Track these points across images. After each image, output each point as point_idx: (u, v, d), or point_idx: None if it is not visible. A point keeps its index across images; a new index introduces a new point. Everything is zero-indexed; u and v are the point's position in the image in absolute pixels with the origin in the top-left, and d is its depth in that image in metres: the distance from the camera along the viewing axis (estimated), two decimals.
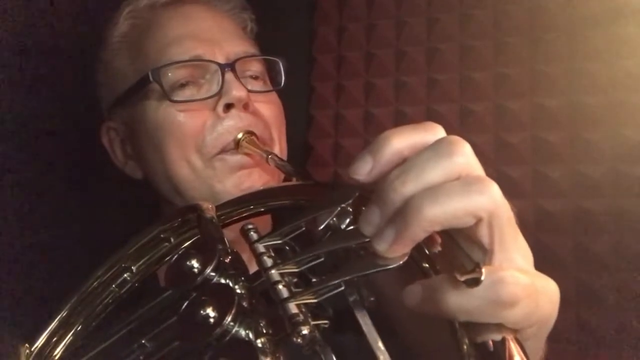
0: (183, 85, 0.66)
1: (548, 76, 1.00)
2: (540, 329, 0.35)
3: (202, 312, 0.32)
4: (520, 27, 1.03)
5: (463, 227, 0.33)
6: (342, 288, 0.33)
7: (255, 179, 0.66)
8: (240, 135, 0.64)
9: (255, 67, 0.72)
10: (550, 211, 0.98)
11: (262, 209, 0.46)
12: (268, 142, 0.68)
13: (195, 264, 0.35)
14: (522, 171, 1.00)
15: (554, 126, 0.99)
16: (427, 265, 0.35)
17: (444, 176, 0.33)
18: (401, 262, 0.32)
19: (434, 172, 0.33)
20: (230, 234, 0.43)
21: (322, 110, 1.18)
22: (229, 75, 0.65)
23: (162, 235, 0.47)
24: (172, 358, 0.35)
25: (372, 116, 1.13)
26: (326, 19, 1.20)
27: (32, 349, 0.41)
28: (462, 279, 0.29)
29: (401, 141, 0.36)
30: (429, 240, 0.34)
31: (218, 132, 0.65)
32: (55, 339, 0.42)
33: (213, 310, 0.32)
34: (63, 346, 0.42)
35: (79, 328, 0.43)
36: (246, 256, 0.40)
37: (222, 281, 0.35)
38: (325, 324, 0.33)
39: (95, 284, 0.45)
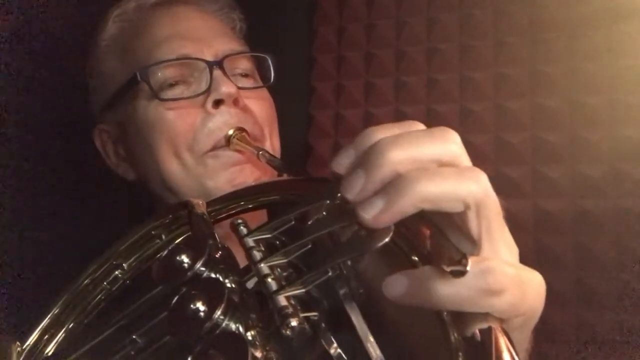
0: (172, 85, 0.66)
1: (548, 76, 1.00)
2: (527, 321, 0.35)
3: (192, 306, 0.32)
4: (520, 27, 1.03)
5: (451, 213, 0.34)
6: (330, 274, 0.33)
7: (248, 175, 0.65)
8: (231, 132, 0.64)
9: (244, 64, 0.72)
10: (550, 211, 0.98)
11: (253, 205, 0.46)
12: (259, 138, 0.68)
13: (185, 259, 0.35)
14: (522, 171, 1.00)
15: (554, 126, 0.99)
16: (417, 259, 0.35)
17: (435, 157, 0.34)
18: (385, 241, 0.31)
19: (425, 151, 0.34)
20: (222, 230, 0.43)
21: (322, 110, 1.18)
22: (218, 73, 0.65)
23: (153, 232, 0.46)
24: (163, 353, 0.35)
25: (372, 116, 1.13)
26: (326, 19, 1.20)
27: (24, 347, 0.41)
28: (449, 269, 0.30)
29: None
30: (419, 234, 0.34)
31: (209, 129, 0.64)
32: (47, 336, 0.42)
33: (203, 304, 0.32)
34: (55, 344, 0.42)
35: (70, 325, 0.43)
36: (241, 256, 0.40)
37: (213, 276, 0.35)
38: (315, 316, 0.33)
39: (86, 281, 0.45)
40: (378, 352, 0.32)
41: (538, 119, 1.01)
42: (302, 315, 0.32)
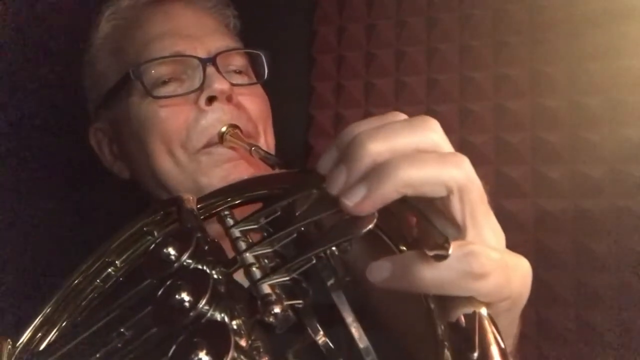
0: (165, 82, 0.66)
1: (548, 76, 1.00)
2: (512, 305, 0.35)
3: (177, 296, 0.32)
4: (520, 27, 1.03)
5: (434, 198, 0.34)
6: (314, 262, 0.33)
7: (242, 171, 0.65)
8: (223, 129, 0.64)
9: (238, 61, 0.71)
10: (550, 211, 0.98)
11: (244, 200, 0.46)
12: (253, 135, 0.68)
13: (172, 251, 0.36)
14: (522, 171, 1.00)
15: (554, 126, 0.99)
16: (403, 247, 0.35)
17: (414, 146, 0.34)
18: (368, 227, 0.32)
19: (404, 140, 0.34)
20: (214, 227, 0.43)
21: (322, 110, 1.18)
22: (211, 69, 0.65)
23: (145, 229, 0.47)
24: (150, 344, 0.35)
25: (372, 116, 1.13)
26: (326, 19, 1.20)
27: (17, 345, 0.41)
28: (432, 253, 0.30)
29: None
30: (404, 221, 0.34)
31: (202, 126, 0.64)
32: (40, 334, 0.42)
33: (188, 294, 0.32)
34: (48, 341, 0.42)
35: (64, 323, 0.43)
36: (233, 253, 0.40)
37: (199, 267, 0.35)
38: (299, 303, 0.33)
39: (79, 279, 0.45)
40: (365, 339, 0.33)
41: (538, 119, 1.01)
42: (286, 303, 0.32)
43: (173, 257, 0.35)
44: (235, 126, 0.65)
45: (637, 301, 0.90)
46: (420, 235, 0.33)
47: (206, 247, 0.37)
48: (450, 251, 0.30)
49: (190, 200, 0.44)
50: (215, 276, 0.34)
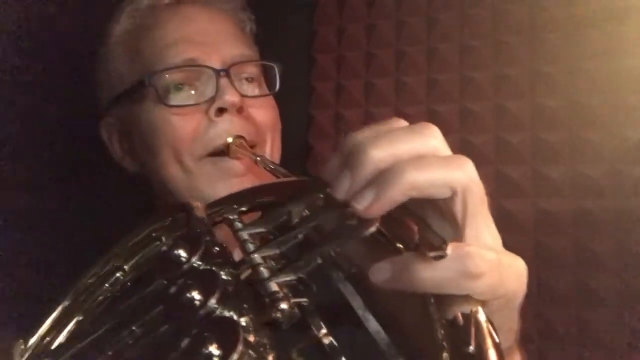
0: (178, 88, 0.66)
1: (548, 76, 1.00)
2: (508, 302, 0.37)
3: (187, 294, 0.33)
4: (520, 27, 1.03)
5: (437, 199, 0.35)
6: (319, 262, 0.34)
7: (248, 185, 0.66)
8: (230, 140, 0.65)
9: (251, 69, 0.72)
10: (550, 211, 0.98)
11: (251, 207, 0.47)
12: (259, 144, 0.69)
13: (182, 253, 0.37)
14: (522, 171, 1.00)
15: (554, 126, 0.99)
16: (401, 246, 0.37)
17: (415, 152, 0.35)
18: (372, 229, 0.33)
19: (405, 146, 0.35)
20: (222, 233, 0.43)
21: (322, 110, 1.18)
22: (224, 81, 0.65)
23: (153, 234, 0.47)
24: (160, 340, 0.36)
25: (372, 116, 1.13)
26: (326, 19, 1.20)
27: (28, 345, 0.41)
28: (430, 254, 0.32)
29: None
30: (404, 225, 0.35)
31: (209, 137, 0.65)
32: (48, 338, 0.42)
33: (198, 293, 0.33)
34: (59, 342, 0.42)
35: (72, 327, 0.44)
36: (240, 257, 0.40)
37: (208, 268, 0.37)
38: (305, 301, 0.34)
39: (88, 282, 0.46)
40: (375, 323, 0.34)
41: (538, 119, 1.01)
42: (292, 300, 0.33)
43: (183, 259, 0.37)
44: (240, 137, 0.65)
45: (637, 301, 0.90)
46: (419, 237, 0.34)
47: (215, 250, 0.38)
48: (448, 252, 0.31)
49: (200, 208, 0.45)
50: (224, 276, 0.36)
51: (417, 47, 1.11)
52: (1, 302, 0.70)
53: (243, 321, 0.33)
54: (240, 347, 0.29)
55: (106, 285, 0.46)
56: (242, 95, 0.66)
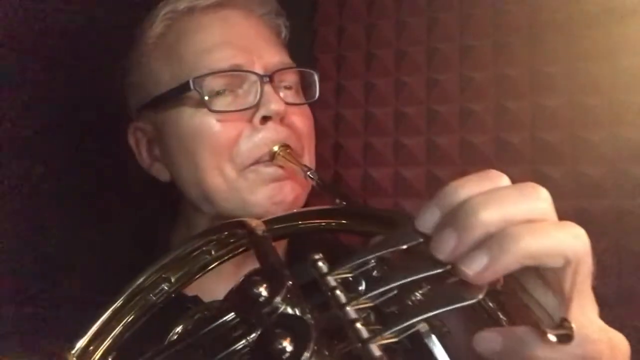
0: (219, 93, 0.66)
1: (548, 76, 1.00)
2: None
3: (278, 345, 0.31)
4: (520, 27, 1.03)
5: (547, 269, 0.33)
6: (421, 326, 0.32)
7: (288, 192, 0.66)
8: (276, 148, 0.65)
9: (291, 77, 0.72)
10: None
11: (307, 229, 0.46)
12: (300, 154, 0.69)
13: (263, 291, 0.35)
14: (522, 171, 1.00)
15: (554, 126, 0.99)
16: (492, 305, 0.35)
17: (526, 217, 0.33)
18: (480, 297, 0.31)
19: (516, 210, 0.33)
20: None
21: (322, 110, 1.18)
22: (268, 88, 0.65)
23: (204, 248, 0.47)
24: None
25: (372, 116, 1.13)
26: (326, 19, 1.20)
27: (74, 352, 0.40)
28: (553, 333, 0.29)
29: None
30: (511, 300, 0.34)
31: (254, 143, 0.65)
32: (92, 347, 0.42)
33: (290, 343, 0.31)
34: (99, 353, 0.42)
35: (117, 334, 0.43)
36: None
37: (290, 310, 0.34)
38: None
39: (135, 291, 0.45)
40: None
41: (538, 119, 1.00)
42: None
43: (263, 299, 0.34)
44: (287, 146, 0.65)
45: (637, 301, 0.90)
46: (531, 311, 0.32)
47: (288, 284, 0.36)
48: (574, 333, 0.29)
49: (260, 225, 0.44)
50: (310, 322, 0.33)
51: (417, 47, 1.11)
52: (3, 302, 0.69)
53: None
54: None
55: (151, 295, 0.45)
56: (285, 103, 0.66)
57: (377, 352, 0.30)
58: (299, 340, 0.31)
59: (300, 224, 0.47)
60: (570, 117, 0.98)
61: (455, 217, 0.33)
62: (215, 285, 0.50)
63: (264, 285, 0.35)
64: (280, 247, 0.73)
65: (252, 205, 0.64)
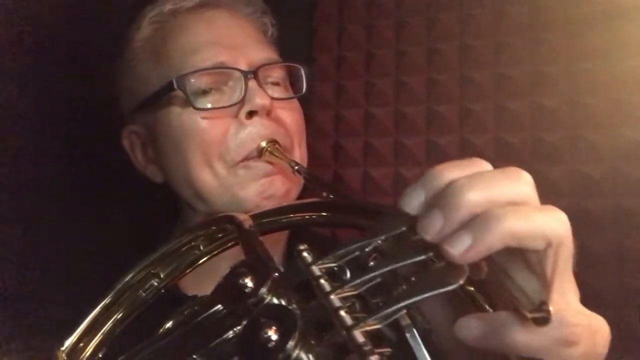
0: (206, 92, 0.66)
1: (548, 76, 1.00)
2: None
3: (263, 334, 0.31)
4: (520, 27, 1.03)
5: (529, 251, 0.33)
6: (405, 312, 0.32)
7: (278, 187, 0.66)
8: (264, 144, 0.65)
9: (277, 73, 0.72)
10: None
11: (297, 222, 0.47)
12: (289, 149, 0.69)
13: (249, 282, 0.35)
14: None
15: (554, 126, 0.99)
16: (478, 295, 0.35)
17: (509, 198, 0.34)
18: (461, 282, 0.31)
19: (500, 191, 0.34)
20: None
21: (322, 110, 1.18)
22: (252, 83, 0.65)
23: (192, 243, 0.47)
24: None
25: (372, 116, 1.13)
26: (326, 19, 1.20)
27: (64, 349, 0.41)
28: (531, 316, 0.29)
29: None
30: (475, 267, 0.34)
31: (241, 139, 0.65)
32: (82, 342, 0.42)
33: (275, 332, 0.31)
34: (90, 349, 0.42)
35: (105, 333, 0.43)
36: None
37: (275, 301, 0.35)
38: (388, 351, 0.32)
39: (124, 288, 0.45)
40: None
41: (538, 119, 1.00)
42: (377, 351, 0.31)
43: (249, 290, 0.35)
44: (275, 141, 0.65)
45: (637, 301, 0.90)
46: (511, 295, 0.32)
47: (275, 276, 0.36)
48: (551, 316, 0.29)
49: (247, 220, 0.44)
50: (295, 312, 0.34)
51: (417, 47, 1.11)
52: (4, 302, 0.70)
53: None
54: None
55: (140, 291, 0.45)
56: (271, 98, 0.66)
57: (360, 339, 0.31)
58: (284, 329, 0.31)
59: (286, 218, 0.47)
60: (570, 117, 0.98)
61: (442, 198, 0.34)
62: (215, 284, 0.50)
63: (250, 276, 0.35)
64: (280, 244, 0.73)
65: (243, 200, 0.65)
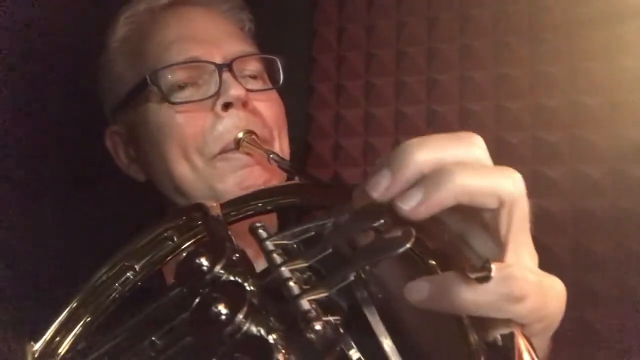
0: (182, 87, 0.66)
1: (548, 76, 1.00)
2: (547, 326, 0.36)
3: (214, 309, 0.32)
4: (520, 27, 1.03)
5: (481, 210, 0.33)
6: (352, 279, 0.33)
7: (257, 177, 0.66)
8: (240, 135, 0.65)
9: (253, 66, 0.72)
10: (550, 211, 0.98)
11: (266, 208, 0.47)
12: (268, 141, 0.68)
13: (204, 261, 0.36)
14: (522, 171, 0.98)
15: (554, 126, 0.99)
16: (433, 262, 0.35)
17: (460, 158, 0.34)
18: (408, 244, 0.31)
19: (450, 153, 0.34)
20: (234, 232, 0.43)
21: (322, 110, 1.18)
22: (227, 75, 0.65)
23: (165, 234, 0.47)
24: (183, 354, 0.36)
25: (372, 116, 1.13)
26: (326, 19, 1.20)
27: (36, 347, 0.41)
28: (473, 275, 0.30)
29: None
30: (432, 235, 0.34)
31: (218, 132, 0.65)
32: (58, 337, 0.42)
33: (225, 307, 0.32)
34: (66, 344, 0.42)
35: (81, 327, 0.43)
36: (251, 253, 0.40)
37: (232, 279, 0.35)
38: (337, 319, 0.33)
39: (98, 282, 0.45)
40: (397, 355, 0.32)
41: (538, 119, 1.00)
42: (324, 318, 0.32)
43: (205, 268, 0.35)
44: (251, 132, 0.65)
45: (637, 301, 0.90)
46: (459, 255, 0.33)
47: (235, 257, 0.37)
48: (493, 273, 0.30)
49: (215, 208, 0.45)
50: (249, 288, 0.35)
51: (417, 47, 1.11)
52: (4, 302, 0.70)
53: (271, 338, 0.32)
54: None
55: (116, 285, 0.45)
56: (247, 90, 0.66)
57: (305, 306, 0.31)
58: (233, 303, 0.32)
59: (254, 204, 0.47)
60: (570, 117, 0.98)
61: (391, 157, 0.34)
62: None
63: (206, 256, 0.36)
64: (270, 222, 0.73)
65: (222, 192, 0.65)
